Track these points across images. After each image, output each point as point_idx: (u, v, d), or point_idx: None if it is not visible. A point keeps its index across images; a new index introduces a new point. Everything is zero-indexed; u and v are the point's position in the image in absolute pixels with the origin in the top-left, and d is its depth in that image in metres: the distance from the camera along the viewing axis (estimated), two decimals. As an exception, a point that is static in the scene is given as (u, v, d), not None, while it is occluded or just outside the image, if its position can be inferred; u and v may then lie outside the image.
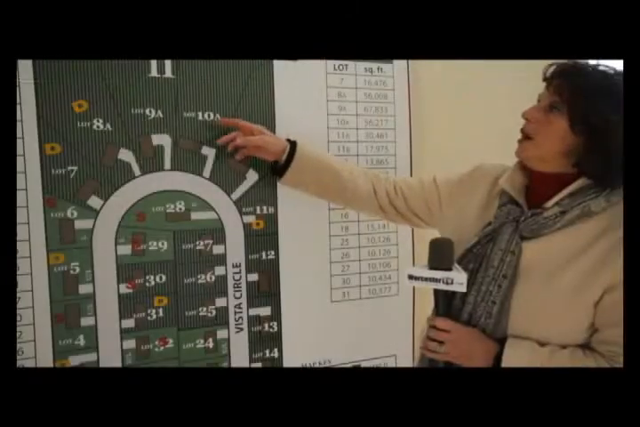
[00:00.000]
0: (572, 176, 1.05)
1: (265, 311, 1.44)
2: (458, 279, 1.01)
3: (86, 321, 1.26)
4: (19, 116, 1.16)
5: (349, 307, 1.55)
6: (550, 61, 1.07)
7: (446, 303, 1.08)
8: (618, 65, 0.97)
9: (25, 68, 1.16)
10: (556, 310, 1.03)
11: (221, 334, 1.39)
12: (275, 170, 1.37)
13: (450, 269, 1.03)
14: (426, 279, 1.02)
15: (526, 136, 1.07)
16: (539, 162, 1.07)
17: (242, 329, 1.42)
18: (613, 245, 1.00)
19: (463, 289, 1.02)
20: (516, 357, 1.02)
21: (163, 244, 1.32)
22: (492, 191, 1.18)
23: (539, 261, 1.05)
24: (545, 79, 1.07)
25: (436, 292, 1.07)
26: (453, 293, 1.07)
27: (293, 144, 1.33)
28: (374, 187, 1.34)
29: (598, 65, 1.03)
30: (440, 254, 1.04)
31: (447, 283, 1.01)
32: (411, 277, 1.03)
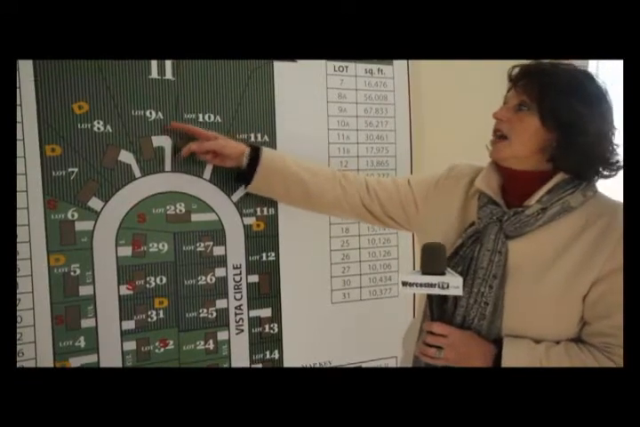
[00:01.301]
0: (547, 173, 1.07)
1: (265, 313, 1.44)
2: (454, 283, 1.01)
3: (87, 323, 1.25)
4: (19, 118, 1.16)
5: (350, 308, 1.55)
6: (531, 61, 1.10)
7: (440, 308, 1.08)
8: (618, 64, 0.98)
9: (25, 69, 1.16)
10: (547, 307, 1.04)
11: (222, 335, 1.39)
12: (239, 177, 1.33)
13: (443, 273, 1.02)
14: (421, 285, 1.02)
15: (501, 136, 1.09)
16: (514, 161, 1.09)
17: (242, 331, 1.42)
18: (595, 238, 1.02)
19: (460, 293, 1.02)
20: (515, 356, 1.02)
21: (163, 245, 1.32)
22: (469, 191, 1.19)
23: (526, 259, 1.06)
24: (510, 80, 1.10)
25: (430, 297, 1.07)
26: (446, 296, 1.07)
27: (256, 150, 1.29)
28: (344, 190, 1.30)
29: (560, 63, 1.06)
30: (433, 259, 1.04)
31: (443, 288, 1.01)
32: (405, 283, 1.03)
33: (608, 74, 1.09)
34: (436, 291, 1.02)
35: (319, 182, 1.30)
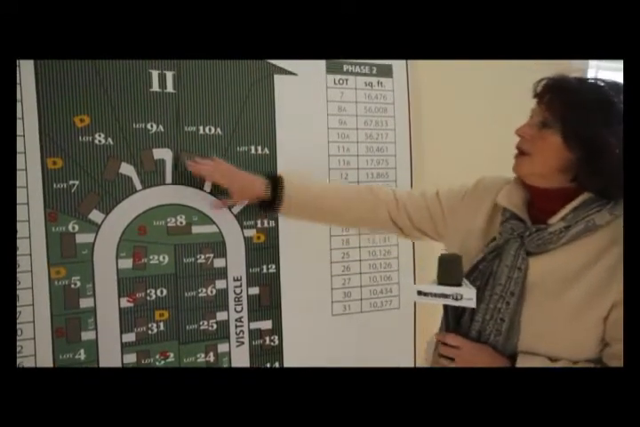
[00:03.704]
0: (574, 190, 1.04)
1: (266, 325, 1.44)
2: (467, 295, 1.00)
3: (87, 335, 1.25)
4: (21, 131, 1.17)
5: (350, 320, 1.55)
6: (542, 76, 1.06)
7: (456, 320, 1.07)
8: (617, 70, 0.96)
9: (26, 81, 1.17)
10: (565, 326, 1.01)
11: (222, 347, 1.39)
12: (263, 207, 1.35)
13: (459, 284, 1.02)
14: (435, 295, 1.01)
15: (522, 152, 1.06)
16: (537, 178, 1.06)
17: (243, 343, 1.41)
18: (619, 258, 0.98)
19: (472, 305, 1.01)
20: None
21: (164, 257, 1.32)
22: (496, 206, 1.16)
23: (546, 276, 1.04)
24: (536, 95, 1.06)
25: (446, 308, 1.06)
26: (463, 309, 1.06)
27: (275, 181, 1.31)
28: (372, 206, 1.31)
29: (588, 78, 1.03)
30: (449, 270, 1.03)
31: (456, 299, 1.00)
32: (420, 293, 1.02)
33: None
34: (450, 302, 1.01)
35: (345, 202, 1.32)
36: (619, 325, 0.97)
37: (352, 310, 1.55)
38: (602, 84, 1.02)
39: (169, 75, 1.30)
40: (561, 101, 1.01)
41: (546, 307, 1.03)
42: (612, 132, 0.96)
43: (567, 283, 1.02)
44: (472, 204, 1.21)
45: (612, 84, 1.02)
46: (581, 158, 1.00)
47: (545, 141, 1.02)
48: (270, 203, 1.31)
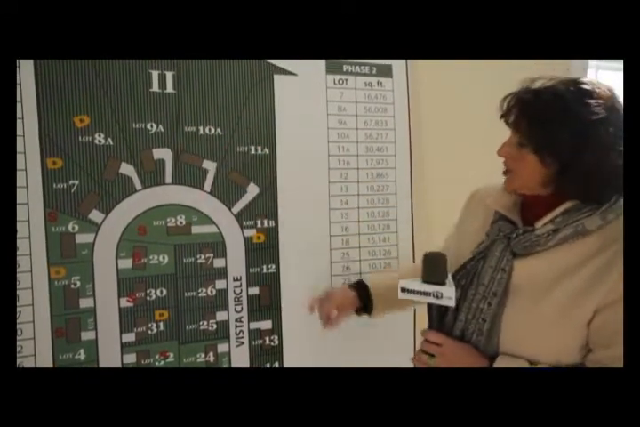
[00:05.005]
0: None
1: (266, 325, 1.44)
2: (447, 293, 1.01)
3: (87, 335, 1.25)
4: (21, 131, 1.17)
5: (350, 321, 1.54)
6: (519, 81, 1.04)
7: (438, 318, 1.08)
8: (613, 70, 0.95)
9: (26, 82, 1.17)
10: (545, 329, 1.01)
11: (222, 347, 1.39)
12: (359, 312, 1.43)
13: (443, 283, 1.03)
14: (417, 293, 1.03)
15: (508, 170, 1.06)
16: (526, 190, 1.06)
17: (243, 343, 1.41)
18: (607, 263, 0.98)
19: (452, 304, 1.01)
20: None
21: (164, 257, 1.32)
22: (489, 211, 1.17)
23: (530, 278, 1.03)
24: (502, 116, 1.05)
25: (429, 306, 1.07)
26: (447, 308, 1.07)
27: (363, 288, 1.39)
28: None
29: (543, 89, 1.00)
30: (433, 268, 1.04)
31: (437, 297, 1.01)
32: (403, 289, 1.04)
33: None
34: (431, 300, 1.02)
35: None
36: (602, 330, 0.98)
37: (352, 309, 1.55)
38: (561, 89, 0.98)
39: (169, 75, 1.30)
40: (525, 122, 1.00)
41: (528, 309, 1.02)
42: (577, 140, 0.95)
43: (550, 286, 1.01)
44: (467, 214, 1.24)
45: (574, 89, 0.98)
46: (556, 172, 0.99)
47: (524, 160, 1.02)
48: (363, 309, 1.40)
